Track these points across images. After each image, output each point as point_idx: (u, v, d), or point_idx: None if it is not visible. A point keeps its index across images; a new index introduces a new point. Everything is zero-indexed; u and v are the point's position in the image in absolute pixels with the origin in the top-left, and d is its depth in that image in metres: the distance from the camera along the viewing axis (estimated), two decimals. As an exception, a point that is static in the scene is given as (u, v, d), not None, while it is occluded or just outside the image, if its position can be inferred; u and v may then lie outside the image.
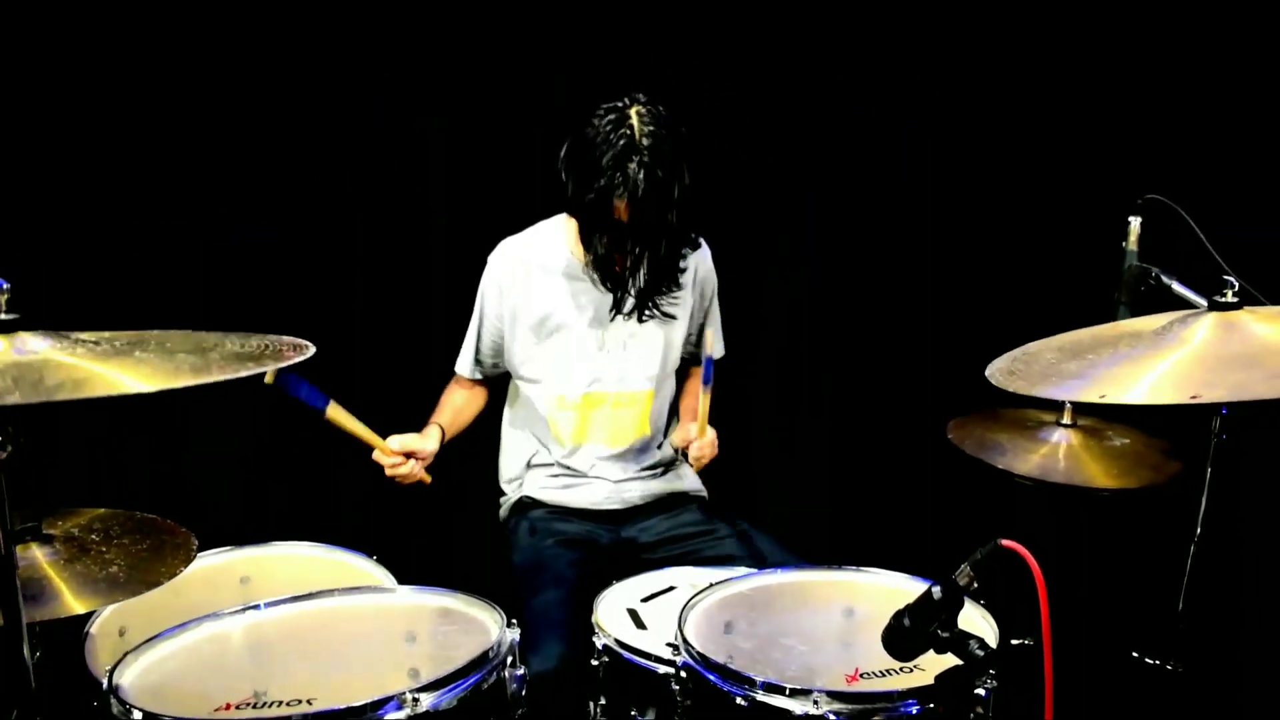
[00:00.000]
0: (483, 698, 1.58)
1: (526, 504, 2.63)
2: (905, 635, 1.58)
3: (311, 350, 1.34)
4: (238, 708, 1.68)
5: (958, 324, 2.95)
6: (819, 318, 3.06)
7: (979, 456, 2.32)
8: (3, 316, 1.28)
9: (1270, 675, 2.20)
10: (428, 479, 2.48)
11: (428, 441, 2.47)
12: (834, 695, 1.59)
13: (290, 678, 1.77)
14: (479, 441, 2.67)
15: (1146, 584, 2.19)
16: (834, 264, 3.06)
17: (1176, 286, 2.11)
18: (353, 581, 2.25)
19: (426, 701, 1.48)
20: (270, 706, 1.68)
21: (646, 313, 2.48)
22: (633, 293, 2.43)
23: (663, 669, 1.96)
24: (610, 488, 2.60)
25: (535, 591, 2.28)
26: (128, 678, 1.63)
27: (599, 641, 2.07)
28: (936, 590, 1.56)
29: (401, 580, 2.19)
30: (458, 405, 2.66)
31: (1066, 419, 2.36)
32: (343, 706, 1.49)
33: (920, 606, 1.58)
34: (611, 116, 2.30)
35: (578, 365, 2.53)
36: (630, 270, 2.38)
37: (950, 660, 1.57)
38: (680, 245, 2.43)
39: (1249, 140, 2.62)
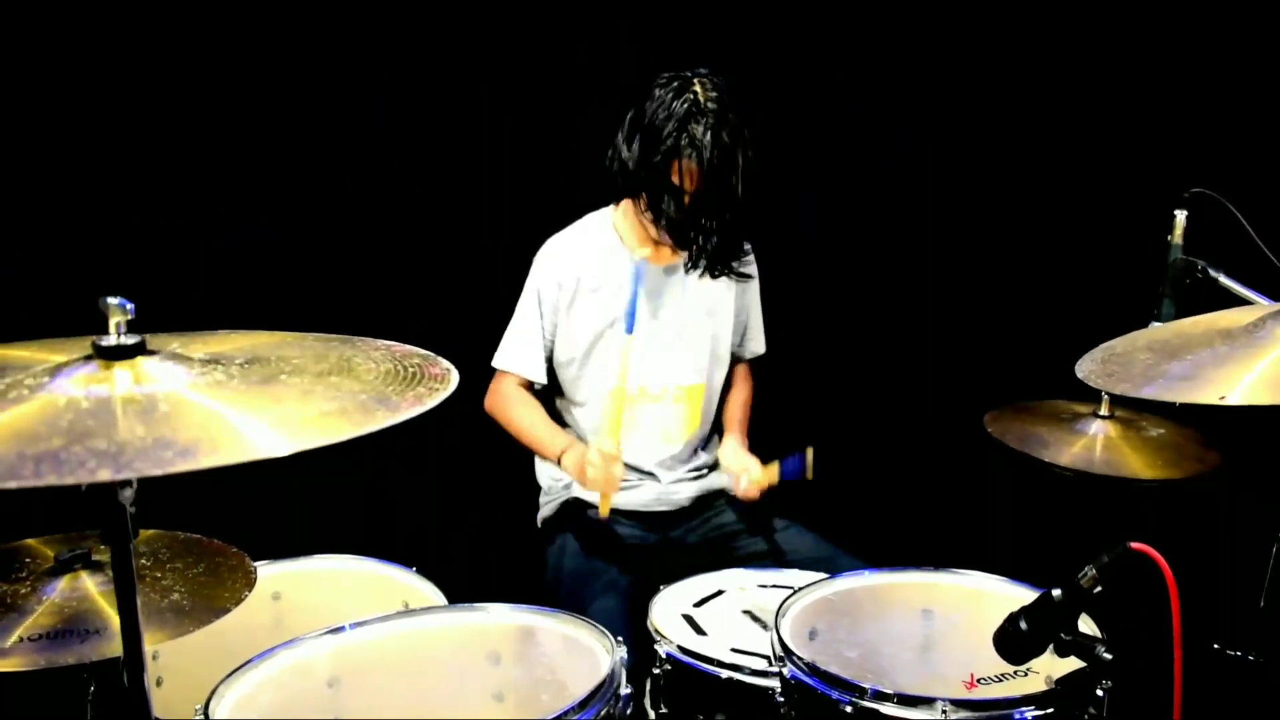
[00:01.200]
0: (602, 723, 1.53)
1: (573, 506, 2.58)
2: (1021, 638, 1.58)
3: (454, 380, 1.24)
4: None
5: (984, 319, 2.96)
6: (844, 315, 3.06)
7: (1022, 449, 2.32)
8: (125, 340, 1.15)
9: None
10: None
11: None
12: (959, 704, 1.57)
13: (373, 707, 1.69)
14: (506, 444, 2.59)
15: (1220, 576, 2.23)
16: (860, 262, 3.06)
17: (1224, 280, 2.13)
18: (395, 596, 2.18)
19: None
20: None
21: (718, 270, 2.47)
22: (704, 257, 2.41)
23: (725, 674, 1.95)
24: (658, 489, 2.57)
25: (592, 599, 2.23)
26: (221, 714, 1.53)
27: (661, 649, 2.04)
28: (1057, 593, 1.55)
29: (445, 592, 2.12)
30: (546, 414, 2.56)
31: (1104, 410, 2.38)
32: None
33: (1038, 609, 1.57)
34: (675, 84, 2.29)
35: (629, 358, 2.47)
36: (703, 236, 2.35)
37: (1060, 662, 1.58)
38: (746, 216, 2.39)
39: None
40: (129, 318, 1.14)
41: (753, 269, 2.63)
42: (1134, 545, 1.48)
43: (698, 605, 2.24)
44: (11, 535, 1.80)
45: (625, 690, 1.63)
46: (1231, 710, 1.83)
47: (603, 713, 1.52)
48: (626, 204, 2.46)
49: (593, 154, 2.45)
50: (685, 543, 2.56)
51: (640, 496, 2.57)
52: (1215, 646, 1.96)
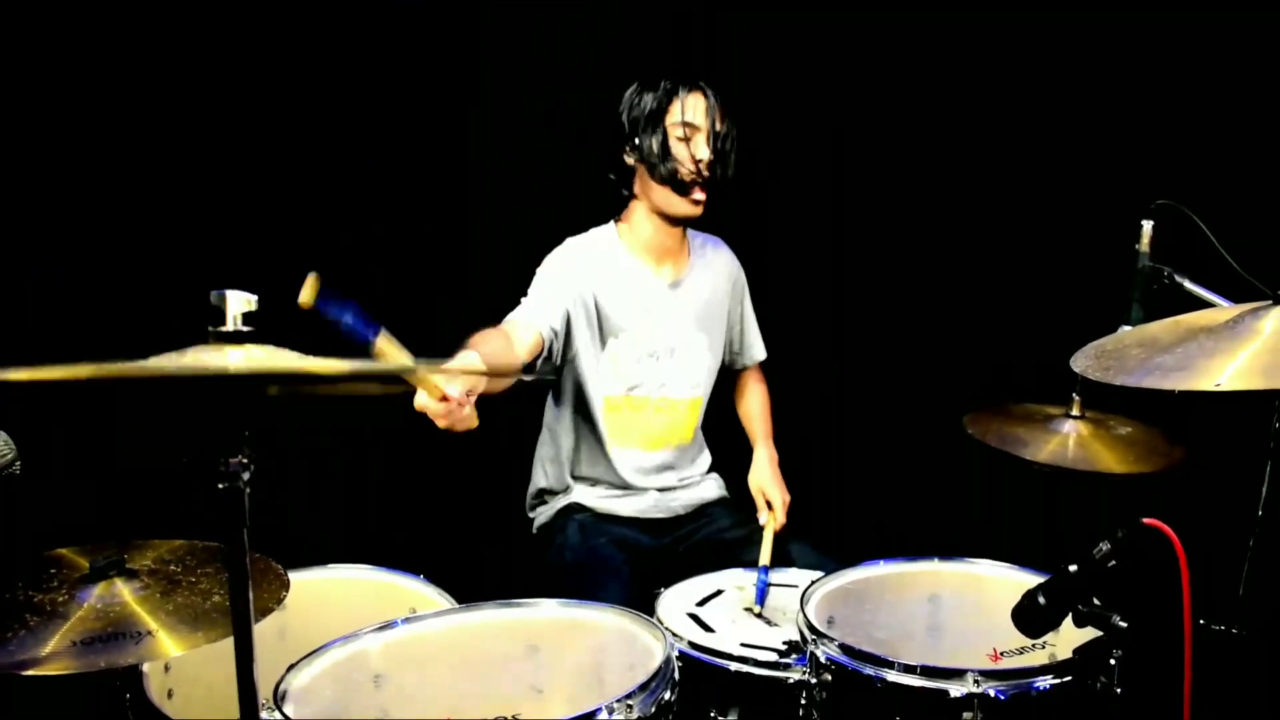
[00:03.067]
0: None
1: (572, 508, 2.63)
2: (1039, 612, 1.69)
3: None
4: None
5: (956, 326, 3.08)
6: (827, 319, 3.16)
7: (1001, 448, 2.44)
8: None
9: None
10: (475, 421, 1.90)
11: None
12: (987, 674, 1.67)
13: (416, 701, 1.73)
14: (499, 446, 2.63)
15: (1194, 558, 2.36)
16: (846, 264, 3.16)
17: (1189, 285, 2.29)
18: (402, 603, 2.17)
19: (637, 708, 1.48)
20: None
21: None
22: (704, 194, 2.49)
23: (735, 667, 2.01)
24: (656, 497, 2.65)
25: (597, 586, 2.26)
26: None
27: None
28: (1073, 568, 1.67)
29: (455, 597, 2.14)
30: (497, 350, 2.17)
31: (1075, 411, 2.51)
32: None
33: (1056, 585, 1.68)
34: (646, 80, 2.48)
35: (628, 368, 2.56)
36: (706, 175, 2.45)
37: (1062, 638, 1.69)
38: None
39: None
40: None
41: (741, 274, 2.74)
42: (1147, 521, 1.60)
43: (700, 604, 2.31)
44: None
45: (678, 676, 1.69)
46: (1219, 677, 1.95)
47: (664, 696, 1.57)
48: (631, 211, 2.56)
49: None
50: (680, 549, 2.64)
51: (639, 504, 2.64)
52: (1200, 621, 2.09)
